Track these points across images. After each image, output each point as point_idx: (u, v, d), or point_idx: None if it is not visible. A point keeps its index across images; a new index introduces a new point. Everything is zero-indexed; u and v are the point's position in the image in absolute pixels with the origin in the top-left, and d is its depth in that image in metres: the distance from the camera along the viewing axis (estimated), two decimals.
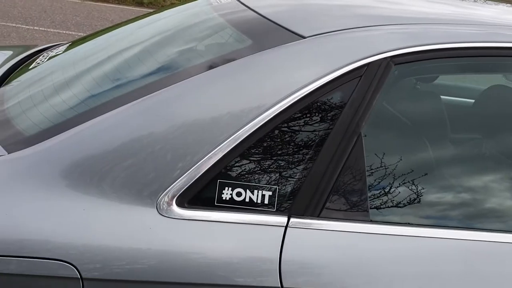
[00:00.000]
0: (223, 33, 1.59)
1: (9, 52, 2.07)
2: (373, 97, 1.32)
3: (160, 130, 1.27)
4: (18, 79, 1.72)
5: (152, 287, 1.20)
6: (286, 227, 1.26)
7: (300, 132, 1.32)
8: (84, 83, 1.52)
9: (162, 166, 1.25)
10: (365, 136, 1.33)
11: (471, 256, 1.31)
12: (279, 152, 1.31)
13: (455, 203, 1.39)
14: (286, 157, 1.31)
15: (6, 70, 1.79)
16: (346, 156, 1.30)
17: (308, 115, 1.31)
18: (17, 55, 1.97)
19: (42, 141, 1.28)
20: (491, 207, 1.43)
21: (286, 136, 1.31)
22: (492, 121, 1.61)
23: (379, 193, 1.36)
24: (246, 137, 1.27)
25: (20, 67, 1.84)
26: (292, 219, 1.27)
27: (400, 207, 1.37)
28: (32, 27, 6.57)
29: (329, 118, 1.32)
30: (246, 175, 1.28)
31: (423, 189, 1.38)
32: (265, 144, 1.29)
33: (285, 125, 1.30)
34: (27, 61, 1.90)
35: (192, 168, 1.25)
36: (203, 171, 1.25)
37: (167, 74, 1.43)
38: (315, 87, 1.30)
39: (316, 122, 1.32)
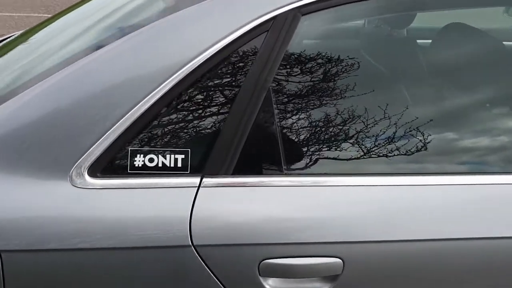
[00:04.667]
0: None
1: None
2: (281, 50, 1.30)
3: (67, 103, 1.28)
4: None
5: (73, 255, 1.24)
6: (198, 187, 1.27)
7: (210, 92, 1.31)
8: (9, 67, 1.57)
9: (71, 139, 1.26)
10: (275, 91, 1.31)
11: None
12: (190, 114, 1.31)
13: (372, 150, 1.36)
14: (197, 118, 1.31)
15: None
16: (256, 113, 1.29)
17: (217, 74, 1.30)
18: None
19: None
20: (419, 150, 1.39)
21: (196, 97, 1.31)
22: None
23: (292, 146, 1.34)
24: (155, 102, 1.27)
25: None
26: (204, 179, 1.27)
27: (313, 158, 1.35)
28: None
29: (237, 75, 1.30)
30: (157, 141, 1.29)
31: (334, 138, 1.35)
32: (175, 108, 1.29)
33: (194, 86, 1.30)
34: None
35: (102, 138, 1.26)
36: (112, 140, 1.26)
37: (83, 48, 1.45)
38: (223, 45, 1.28)
39: (225, 81, 1.31)
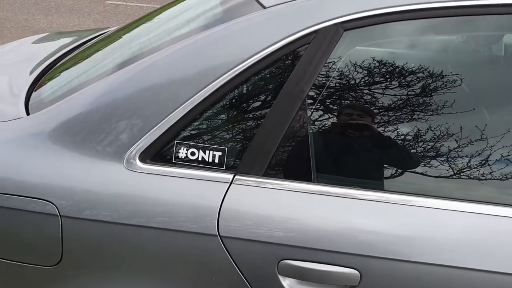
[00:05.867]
0: (209, 8, 1.72)
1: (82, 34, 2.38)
2: (319, 63, 1.37)
3: (126, 98, 1.45)
4: (69, 58, 2.02)
5: (114, 228, 1.40)
6: (230, 183, 1.38)
7: (250, 97, 1.42)
8: (90, 63, 1.79)
9: (129, 128, 1.43)
10: (310, 101, 1.39)
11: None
12: (230, 116, 1.42)
13: (399, 168, 1.39)
14: (236, 120, 1.42)
15: (67, 51, 2.09)
16: (290, 120, 1.37)
17: (259, 80, 1.40)
18: (83, 38, 2.27)
19: (47, 106, 1.55)
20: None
21: (237, 100, 1.42)
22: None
23: (322, 156, 1.41)
24: (200, 101, 1.40)
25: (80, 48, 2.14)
26: (237, 177, 1.38)
27: (343, 170, 1.41)
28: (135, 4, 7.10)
29: (277, 83, 1.40)
30: (200, 137, 1.42)
31: (366, 152, 1.40)
32: (217, 108, 1.41)
33: (236, 91, 1.41)
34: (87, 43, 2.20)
35: (154, 128, 1.42)
36: (162, 133, 1.42)
37: (144, 50, 1.62)
38: (267, 53, 1.38)
39: (265, 87, 1.41)
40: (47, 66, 1.94)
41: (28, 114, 1.58)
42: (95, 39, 2.16)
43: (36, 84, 1.80)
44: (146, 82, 1.46)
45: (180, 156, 1.43)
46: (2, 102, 1.71)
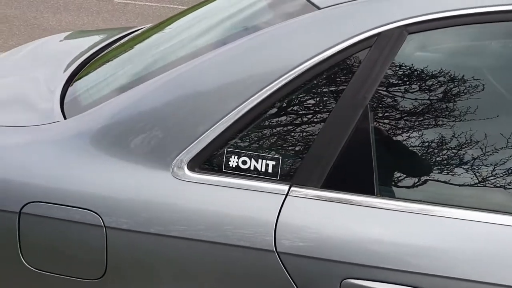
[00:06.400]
0: (256, 7, 1.63)
1: (108, 34, 2.30)
2: (382, 68, 1.28)
3: (175, 103, 1.37)
4: (98, 59, 1.93)
5: (162, 240, 1.32)
6: (286, 195, 1.29)
7: (307, 103, 1.33)
8: (128, 64, 1.70)
9: (176, 134, 1.35)
10: (373, 108, 1.30)
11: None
12: (284, 123, 1.34)
13: (471, 181, 1.30)
14: (291, 128, 1.33)
15: (95, 52, 2.00)
16: (352, 129, 1.28)
17: (316, 85, 1.32)
18: (110, 37, 2.19)
19: (87, 110, 1.47)
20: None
21: (292, 106, 1.34)
22: None
23: (387, 167, 1.32)
24: (252, 107, 1.32)
25: (108, 48, 2.05)
26: (293, 188, 1.30)
27: (409, 183, 1.32)
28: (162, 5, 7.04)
29: (335, 88, 1.31)
30: (252, 145, 1.33)
31: (433, 165, 1.31)
32: (270, 115, 1.33)
33: (291, 96, 1.32)
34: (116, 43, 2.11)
35: (202, 137, 1.33)
36: (211, 140, 1.33)
37: (189, 52, 1.53)
38: (325, 57, 1.30)
39: (323, 93, 1.32)
40: (78, 66, 1.85)
41: (64, 117, 1.50)
42: (126, 37, 2.07)
43: (69, 85, 1.72)
44: (194, 86, 1.38)
45: (230, 165, 1.34)
46: (36, 105, 1.62)
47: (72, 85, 1.71)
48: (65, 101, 1.60)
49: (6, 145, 1.45)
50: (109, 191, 1.35)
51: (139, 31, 2.10)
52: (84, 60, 1.90)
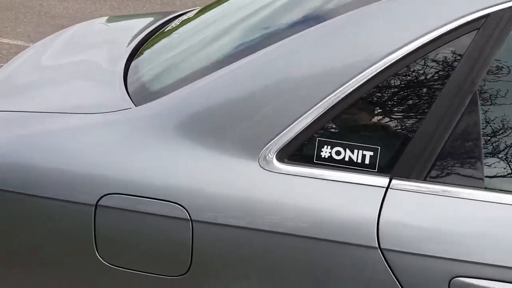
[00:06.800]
0: None
1: (150, 19, 2.19)
2: (492, 52, 1.20)
3: (263, 88, 1.28)
4: (156, 41, 1.83)
5: (250, 234, 1.23)
6: (387, 188, 1.21)
7: (408, 89, 1.24)
8: (200, 46, 1.59)
9: (264, 122, 1.26)
10: (482, 96, 1.21)
11: None
12: (383, 110, 1.25)
13: None
14: (391, 115, 1.25)
15: (145, 35, 1.90)
16: (458, 117, 1.20)
17: (417, 70, 1.23)
18: (156, 21, 2.09)
19: (161, 96, 1.37)
20: None
21: (392, 93, 1.25)
22: None
23: (497, 158, 1.24)
24: (348, 94, 1.23)
25: (158, 32, 1.95)
26: (394, 181, 1.21)
27: None
28: None
29: (440, 74, 1.22)
30: (346, 134, 1.25)
31: None
32: (368, 102, 1.24)
33: (391, 81, 1.23)
34: (164, 26, 2.01)
35: (292, 125, 1.24)
36: (303, 128, 1.24)
37: (273, 35, 1.43)
38: (425, 42, 1.21)
39: (426, 78, 1.23)
40: (134, 50, 1.74)
41: (134, 104, 1.40)
42: (176, 20, 1.96)
43: (128, 70, 1.62)
44: (284, 72, 1.28)
45: (323, 156, 1.25)
46: (100, 91, 1.52)
47: (132, 70, 1.61)
48: (128, 87, 1.51)
49: (78, 133, 1.35)
50: (194, 182, 1.26)
51: (191, 14, 1.99)
52: (138, 44, 1.79)
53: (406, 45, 1.22)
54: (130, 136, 1.32)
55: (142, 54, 1.70)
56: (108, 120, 1.36)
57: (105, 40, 1.93)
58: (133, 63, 1.65)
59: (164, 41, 1.77)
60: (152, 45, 1.77)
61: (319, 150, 1.25)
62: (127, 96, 1.44)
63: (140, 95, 1.44)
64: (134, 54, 1.73)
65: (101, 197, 1.27)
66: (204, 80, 1.34)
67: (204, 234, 1.24)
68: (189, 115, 1.30)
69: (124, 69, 1.61)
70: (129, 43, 1.80)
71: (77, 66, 1.71)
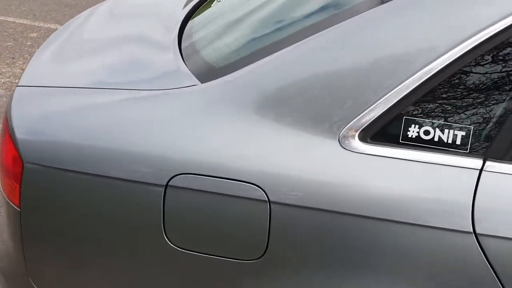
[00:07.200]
0: None
1: None
2: None
3: (346, 62, 1.20)
4: (204, 14, 1.73)
5: (330, 217, 1.16)
6: (481, 170, 1.14)
7: (503, 66, 1.17)
8: (266, 18, 1.49)
9: (347, 99, 1.18)
10: None
11: None
12: (475, 89, 1.17)
13: None
14: (484, 93, 1.17)
15: (193, 6, 1.80)
16: None
17: None
18: None
19: (230, 72, 1.28)
20: None
21: (485, 70, 1.17)
22: None
23: None
24: (439, 71, 1.15)
25: (204, 3, 1.85)
26: (488, 163, 1.14)
27: None
28: None
29: None
30: (436, 113, 1.17)
31: None
32: (459, 80, 1.16)
33: (485, 57, 1.16)
34: None
35: (377, 102, 1.16)
36: (389, 106, 1.16)
37: (355, 3, 1.34)
38: None
39: None
40: (184, 21, 1.64)
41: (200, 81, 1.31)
42: None
43: (180, 44, 1.52)
44: (367, 45, 1.20)
45: (409, 136, 1.17)
46: (156, 66, 1.43)
47: (187, 43, 1.52)
48: (186, 62, 1.42)
49: (143, 111, 1.26)
50: (272, 162, 1.18)
51: None
52: (188, 14, 1.69)
53: (502, 19, 1.14)
54: (198, 114, 1.23)
55: (195, 26, 1.61)
56: (175, 97, 1.27)
57: (149, 11, 1.82)
58: (186, 36, 1.56)
59: (217, 11, 1.67)
60: (204, 16, 1.67)
61: (406, 130, 1.17)
62: (188, 71, 1.35)
63: (203, 72, 1.35)
64: (184, 25, 1.63)
65: (172, 177, 1.19)
66: (278, 56, 1.25)
67: (282, 216, 1.17)
68: (265, 93, 1.22)
69: (178, 42, 1.52)
70: (176, 13, 1.70)
71: (126, 40, 1.61)
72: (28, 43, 4.42)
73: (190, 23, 1.65)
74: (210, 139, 1.21)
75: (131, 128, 1.24)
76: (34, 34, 4.59)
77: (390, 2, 1.23)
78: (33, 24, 4.80)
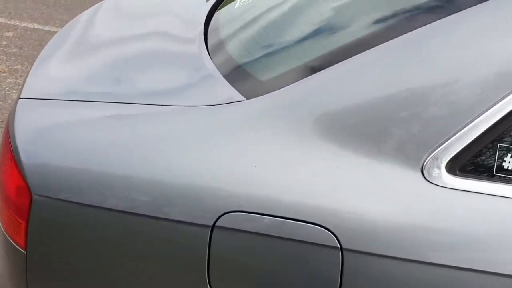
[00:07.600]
0: None
1: None
2: None
3: (428, 80, 1.00)
4: (230, 16, 1.50)
5: (413, 267, 0.96)
6: None
7: None
8: (317, 23, 1.28)
9: (430, 124, 0.98)
10: None
11: None
12: None
13: None
14: None
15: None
16: None
17: None
18: None
19: (280, 87, 1.07)
20: None
21: None
22: None
23: None
24: None
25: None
26: None
27: None
28: None
29: None
30: None
31: None
32: None
33: None
34: None
35: (467, 128, 0.97)
36: (480, 132, 0.97)
37: (428, 11, 1.14)
38: None
39: None
40: (210, 25, 1.42)
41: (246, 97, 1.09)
42: None
43: (209, 50, 1.30)
44: (455, 60, 1.00)
45: (505, 167, 0.98)
46: (184, 76, 1.21)
47: (219, 51, 1.30)
48: (222, 73, 1.19)
49: (181, 133, 1.04)
50: (342, 198, 0.97)
51: None
52: (209, 13, 1.46)
53: None
54: (249, 137, 1.02)
55: (224, 31, 1.38)
56: (217, 117, 1.05)
57: (160, 10, 1.58)
58: (214, 42, 1.33)
59: (250, 13, 1.44)
60: (232, 19, 1.44)
61: (501, 159, 0.98)
62: (231, 86, 1.13)
63: (246, 86, 1.13)
64: (207, 27, 1.40)
65: (220, 217, 0.97)
66: (339, 69, 1.04)
67: (356, 265, 0.96)
68: (329, 113, 1.01)
69: (206, 48, 1.30)
70: (195, 13, 1.47)
71: (146, 43, 1.38)
72: (4, 42, 4.13)
73: (215, 25, 1.43)
74: (264, 169, 0.99)
75: (166, 157, 1.02)
76: (10, 33, 4.29)
77: (471, 9, 1.03)
78: (8, 22, 4.50)
